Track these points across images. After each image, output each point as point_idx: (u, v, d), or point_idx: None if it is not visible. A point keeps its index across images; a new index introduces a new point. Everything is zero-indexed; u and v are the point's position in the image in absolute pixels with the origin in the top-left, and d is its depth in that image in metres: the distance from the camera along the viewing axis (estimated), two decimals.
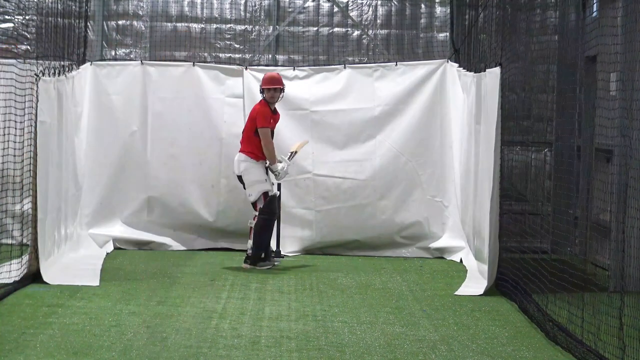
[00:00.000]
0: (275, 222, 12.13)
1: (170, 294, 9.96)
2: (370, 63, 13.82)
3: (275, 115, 11.95)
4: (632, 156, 8.91)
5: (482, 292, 10.38)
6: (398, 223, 13.20)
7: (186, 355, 7.44)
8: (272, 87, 11.83)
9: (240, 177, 11.84)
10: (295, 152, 12.28)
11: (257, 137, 11.72)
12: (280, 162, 11.86)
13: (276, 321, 8.82)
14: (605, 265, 10.72)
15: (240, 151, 11.86)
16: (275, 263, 11.93)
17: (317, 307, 9.57)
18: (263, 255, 11.82)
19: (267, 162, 11.76)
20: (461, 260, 12.56)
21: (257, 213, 11.70)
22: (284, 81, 12.66)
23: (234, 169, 11.95)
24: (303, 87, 13.23)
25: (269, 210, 11.69)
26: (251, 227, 11.75)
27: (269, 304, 9.65)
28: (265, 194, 11.69)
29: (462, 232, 12.83)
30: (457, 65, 13.20)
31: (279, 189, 12.14)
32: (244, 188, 11.87)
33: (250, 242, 11.76)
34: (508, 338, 8.46)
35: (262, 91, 11.90)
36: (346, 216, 13.17)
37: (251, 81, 13.15)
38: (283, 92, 11.94)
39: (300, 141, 12.66)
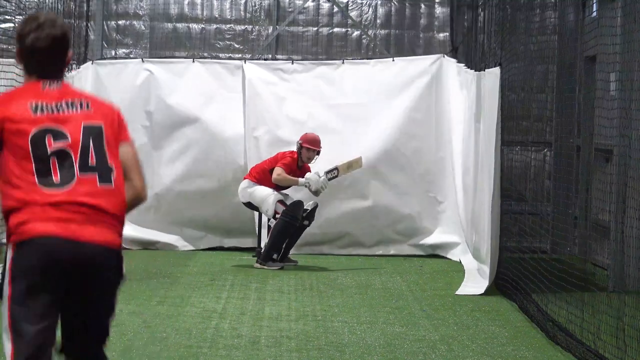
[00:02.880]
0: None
1: (170, 294, 9.96)
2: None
3: (299, 171, 11.74)
4: (631, 156, 8.93)
5: (482, 292, 10.38)
6: (394, 218, 13.16)
7: (186, 355, 7.45)
8: (313, 149, 11.70)
9: (248, 204, 11.76)
10: (337, 172, 11.86)
11: (269, 175, 11.60)
12: (310, 174, 11.68)
13: (276, 321, 8.83)
14: (605, 265, 10.74)
15: (245, 177, 11.80)
16: (282, 265, 11.80)
17: (317, 307, 9.58)
18: (275, 257, 11.72)
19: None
20: (460, 261, 12.57)
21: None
22: (282, 75, 12.63)
23: (240, 198, 11.85)
24: (302, 81, 13.22)
25: (292, 213, 11.54)
26: (270, 227, 11.73)
27: (269, 304, 9.66)
28: (281, 201, 11.58)
29: (457, 228, 12.83)
30: (455, 60, 13.17)
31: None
32: (259, 211, 11.84)
33: (266, 240, 11.74)
34: (508, 338, 8.46)
35: (300, 147, 11.73)
36: (342, 210, 13.11)
37: (252, 76, 13.07)
38: (318, 155, 11.84)
39: (350, 160, 12.07)
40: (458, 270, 12.00)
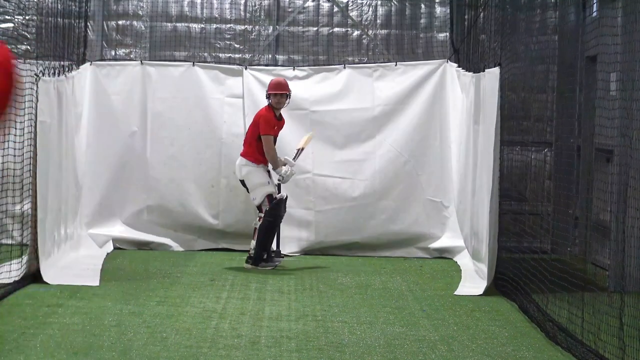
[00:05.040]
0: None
1: (170, 294, 9.96)
2: (370, 63, 13.82)
3: (279, 122, 11.92)
4: (632, 156, 8.92)
5: (481, 292, 10.38)
6: (398, 223, 13.18)
7: (186, 355, 7.44)
8: (279, 93, 11.81)
9: (242, 182, 11.85)
10: (302, 149, 12.23)
11: (259, 142, 11.71)
12: (285, 164, 11.85)
13: (276, 321, 8.82)
14: (605, 265, 10.72)
15: (241, 155, 11.86)
16: (276, 264, 11.91)
17: (317, 307, 9.57)
18: (265, 256, 11.82)
19: (270, 166, 11.78)
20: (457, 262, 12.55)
21: (262, 214, 11.68)
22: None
23: (235, 173, 11.96)
24: (303, 87, 13.22)
25: (274, 213, 11.67)
26: (255, 228, 11.74)
27: (269, 304, 9.65)
28: (269, 196, 11.66)
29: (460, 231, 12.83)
30: (456, 65, 13.20)
31: (279, 190, 12.11)
32: (247, 192, 11.88)
33: (253, 242, 11.75)
34: (508, 338, 8.45)
35: (268, 96, 11.89)
36: (346, 216, 13.16)
37: (251, 81, 13.16)
38: (289, 97, 11.92)
39: (305, 136, 12.51)
40: (458, 270, 11.99)
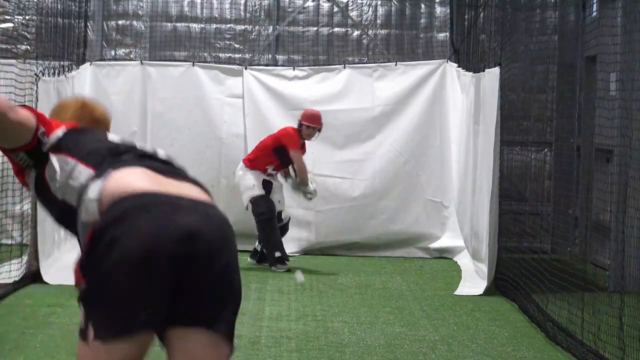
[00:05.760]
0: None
1: None
2: (370, 63, 13.82)
3: (302, 149, 11.78)
4: (631, 156, 8.93)
5: (481, 292, 10.38)
6: (398, 223, 13.17)
7: None
8: (312, 126, 11.63)
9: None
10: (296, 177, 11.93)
11: (271, 156, 11.58)
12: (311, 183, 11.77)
13: (276, 321, 8.82)
14: (605, 265, 10.73)
15: (242, 160, 11.82)
16: (287, 265, 11.78)
17: (317, 307, 9.56)
18: (279, 256, 11.60)
19: (272, 173, 11.67)
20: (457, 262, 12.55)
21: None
22: (284, 81, 12.66)
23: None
24: (303, 87, 13.22)
25: (260, 210, 11.53)
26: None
27: (269, 304, 9.65)
28: (254, 198, 11.56)
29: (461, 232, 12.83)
30: (456, 65, 13.20)
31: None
32: None
33: (257, 243, 11.75)
34: (508, 338, 8.45)
35: (300, 125, 11.68)
36: (346, 216, 13.15)
37: (251, 81, 13.15)
38: (320, 132, 11.80)
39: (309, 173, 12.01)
40: (458, 270, 11.99)
